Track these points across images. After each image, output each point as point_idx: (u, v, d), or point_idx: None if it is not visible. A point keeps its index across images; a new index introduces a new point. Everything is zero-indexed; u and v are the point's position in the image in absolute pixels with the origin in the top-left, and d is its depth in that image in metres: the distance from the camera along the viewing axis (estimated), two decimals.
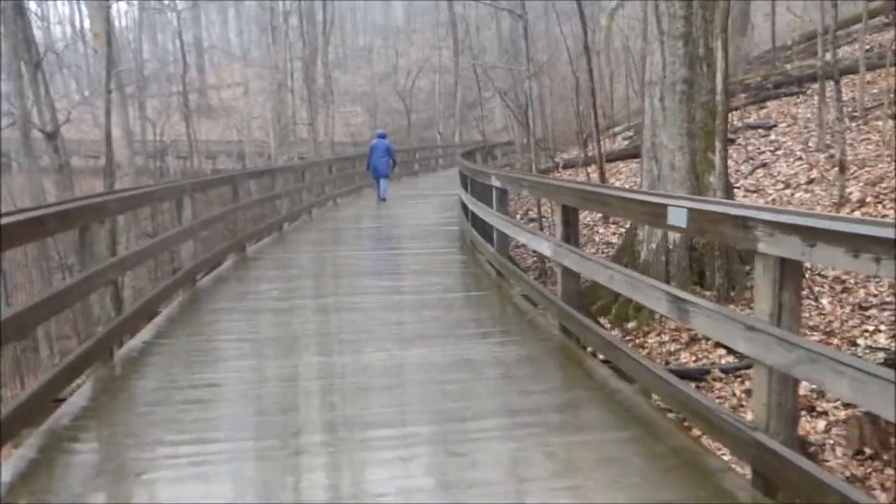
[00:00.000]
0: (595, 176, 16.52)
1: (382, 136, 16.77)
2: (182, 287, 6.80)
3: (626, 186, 14.75)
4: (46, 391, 3.84)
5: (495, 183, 7.19)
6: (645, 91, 8.38)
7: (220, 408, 3.94)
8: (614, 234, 12.17)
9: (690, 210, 3.10)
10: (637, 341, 7.67)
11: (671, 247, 8.26)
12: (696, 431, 4.24)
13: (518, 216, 16.76)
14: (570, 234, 5.04)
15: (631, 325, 8.22)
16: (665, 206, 3.31)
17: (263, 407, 3.94)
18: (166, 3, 24.57)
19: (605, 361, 4.84)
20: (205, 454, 3.34)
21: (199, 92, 56.16)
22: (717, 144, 7.52)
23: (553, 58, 30.29)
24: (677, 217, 3.19)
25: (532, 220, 14.67)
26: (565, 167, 20.76)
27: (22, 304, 3.83)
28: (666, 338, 7.63)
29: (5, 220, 3.20)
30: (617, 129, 25.85)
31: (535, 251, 12.42)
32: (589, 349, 5.09)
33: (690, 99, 7.98)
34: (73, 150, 37.08)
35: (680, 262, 8.21)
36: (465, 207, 10.90)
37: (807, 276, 8.15)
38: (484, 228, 9.51)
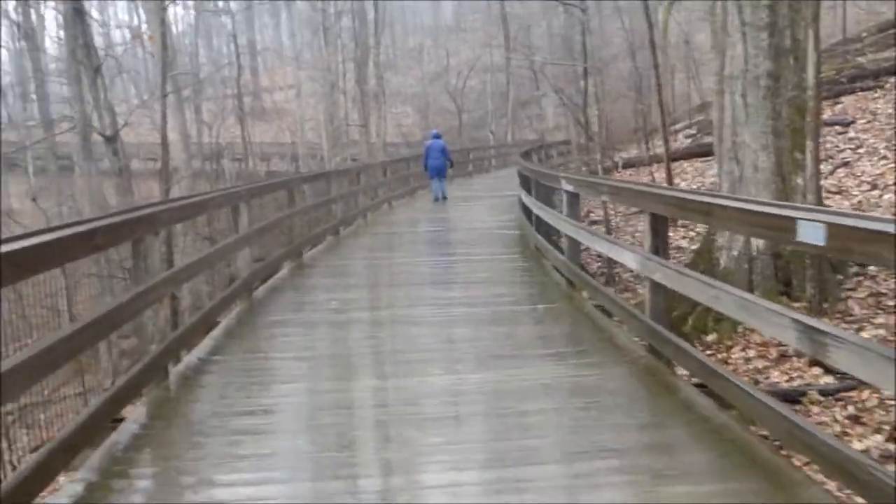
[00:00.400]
0: (659, 176, 15.87)
1: (438, 137, 16.86)
2: (239, 297, 6.53)
3: (694, 188, 14.08)
4: (102, 413, 3.64)
5: (566, 187, 6.73)
6: (724, 86, 7.79)
7: (275, 440, 3.60)
8: (683, 237, 11.56)
9: (831, 226, 2.61)
10: (719, 356, 7.11)
11: (755, 253, 7.67)
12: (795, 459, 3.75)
13: None
14: (660, 245, 4.57)
15: (710, 337, 7.66)
16: (794, 219, 2.83)
17: (320, 441, 3.58)
18: (221, 5, 24.70)
19: (698, 385, 4.37)
20: (260, 498, 3.01)
21: (253, 95, 56.82)
22: (809, 143, 6.93)
23: (606, 54, 29.47)
24: (812, 233, 2.71)
25: (594, 222, 14.11)
26: (625, 167, 20.13)
27: (70, 326, 3.55)
28: (752, 353, 7.06)
29: (49, 237, 2.90)
30: (678, 126, 25.00)
31: (598, 255, 11.89)
32: (678, 371, 4.63)
33: (776, 94, 7.37)
34: (133, 154, 37.79)
35: (764, 270, 7.61)
36: (527, 211, 10.46)
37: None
38: (549, 234, 9.06)
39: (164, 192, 10.24)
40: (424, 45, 60.26)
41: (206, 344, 5.22)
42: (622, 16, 22.36)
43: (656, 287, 4.54)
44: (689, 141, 20.27)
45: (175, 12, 51.92)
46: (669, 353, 4.36)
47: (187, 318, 5.30)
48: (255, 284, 7.15)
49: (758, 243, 7.66)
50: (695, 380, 4.81)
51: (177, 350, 4.82)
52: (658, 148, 20.22)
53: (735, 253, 7.83)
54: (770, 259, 7.65)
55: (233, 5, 37.28)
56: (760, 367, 6.76)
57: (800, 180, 7.50)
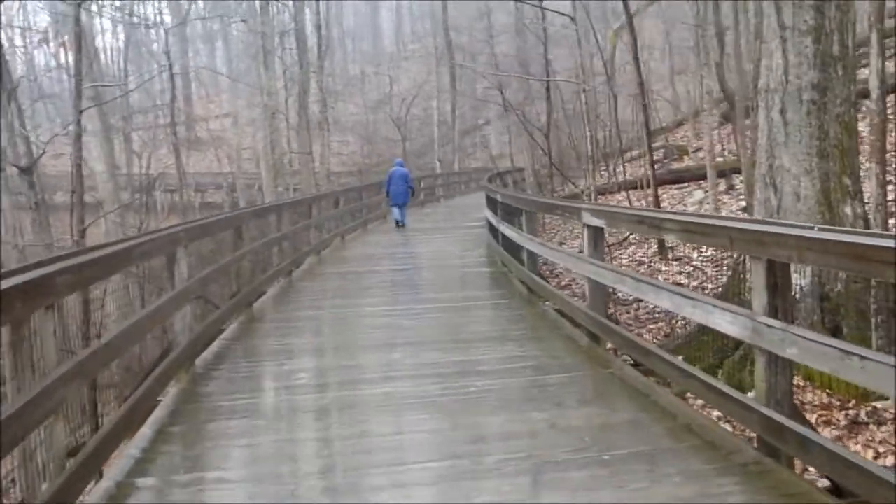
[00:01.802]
0: (639, 203, 14.84)
1: (401, 165, 17.02)
2: (178, 372, 4.98)
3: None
4: None
5: (591, 221, 5.44)
6: (759, 101, 6.67)
7: None
8: (680, 272, 10.42)
9: None
10: None
11: (797, 296, 6.50)
12: None
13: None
14: (780, 304, 3.29)
15: (749, 395, 6.44)
16: None
17: None
18: (152, 23, 22.88)
19: (834, 492, 3.12)
20: None
21: (187, 123, 54.58)
22: (874, 167, 5.83)
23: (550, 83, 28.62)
24: None
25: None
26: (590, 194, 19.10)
27: None
28: (812, 417, 5.84)
29: None
30: (634, 152, 24.21)
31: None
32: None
33: (822, 110, 6.27)
34: (57, 186, 35.37)
35: (810, 315, 6.44)
36: (512, 247, 9.18)
37: None
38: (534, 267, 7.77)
39: (78, 232, 8.44)
40: (366, 72, 59.19)
41: (129, 455, 3.66)
42: (558, 45, 21.40)
43: (776, 363, 3.26)
44: (656, 167, 19.39)
45: (103, 40, 49.30)
46: (814, 461, 3.06)
47: (104, 430, 3.63)
48: (198, 350, 5.61)
49: (801, 283, 6.51)
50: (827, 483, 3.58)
51: (91, 476, 3.27)
52: (622, 175, 19.36)
53: None
54: (816, 302, 6.50)
55: (165, 16, 35.35)
56: (830, 436, 5.55)
57: (849, 210, 6.39)
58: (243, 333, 6.64)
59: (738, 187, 13.55)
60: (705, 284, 9.52)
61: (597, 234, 5.57)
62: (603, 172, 24.78)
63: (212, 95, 58.92)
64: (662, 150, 19.67)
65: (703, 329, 7.24)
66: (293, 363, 5.49)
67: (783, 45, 6.34)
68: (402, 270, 10.91)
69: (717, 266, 10.04)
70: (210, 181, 43.43)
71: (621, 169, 20.15)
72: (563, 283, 11.71)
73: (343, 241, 14.62)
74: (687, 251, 11.00)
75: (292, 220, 11.10)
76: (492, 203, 11.43)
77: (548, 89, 17.29)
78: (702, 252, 10.71)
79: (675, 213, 4.18)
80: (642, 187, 16.19)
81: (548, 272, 12.37)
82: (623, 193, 17.47)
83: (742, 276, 7.11)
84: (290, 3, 25.82)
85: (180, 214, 25.16)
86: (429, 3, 48.52)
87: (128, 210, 26.73)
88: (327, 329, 6.91)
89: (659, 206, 11.95)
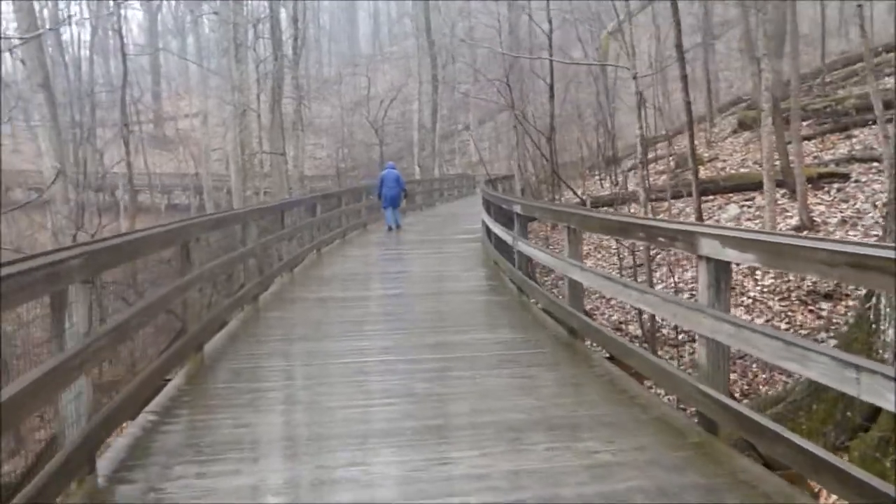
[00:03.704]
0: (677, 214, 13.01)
1: (392, 167, 16.70)
2: (63, 489, 2.98)
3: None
4: None
5: (719, 253, 3.55)
6: None
7: None
8: (736, 305, 8.56)
9: None
10: None
11: None
12: None
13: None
14: None
15: None
16: None
17: None
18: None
19: None
20: None
21: (155, 122, 52.11)
22: None
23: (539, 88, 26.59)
24: None
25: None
26: (594, 205, 17.33)
27: None
28: None
29: None
30: (629, 162, 22.47)
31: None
32: None
33: None
34: (16, 182, 33.00)
35: None
36: (529, 270, 7.28)
37: None
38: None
39: None
40: (342, 74, 57.13)
41: None
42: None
43: None
44: (662, 178, 17.66)
45: (70, 32, 46.38)
46: None
47: None
48: (102, 438, 3.60)
49: None
50: None
51: None
52: (633, 184, 17.64)
53: None
54: None
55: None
56: None
57: None
58: (186, 400, 4.61)
59: (780, 202, 11.82)
60: (774, 322, 7.71)
61: (719, 271, 3.68)
62: (599, 181, 23.07)
63: (182, 93, 56.47)
64: (673, 159, 17.92)
65: (815, 393, 5.42)
66: (256, 469, 3.47)
67: None
68: (395, 297, 8.92)
69: (783, 299, 8.24)
70: (177, 182, 41.30)
71: (632, 175, 18.42)
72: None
73: (319, 255, 12.60)
74: (738, 277, 9.18)
75: (260, 231, 9.08)
76: (503, 215, 9.53)
77: (551, 87, 15.45)
78: (758, 281, 8.91)
79: None
80: (658, 199, 14.38)
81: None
82: (634, 206, 15.73)
83: (875, 325, 5.27)
84: None
85: (136, 216, 22.99)
86: (408, 3, 46.83)
87: (86, 211, 24.54)
88: (307, 397, 4.85)
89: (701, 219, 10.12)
